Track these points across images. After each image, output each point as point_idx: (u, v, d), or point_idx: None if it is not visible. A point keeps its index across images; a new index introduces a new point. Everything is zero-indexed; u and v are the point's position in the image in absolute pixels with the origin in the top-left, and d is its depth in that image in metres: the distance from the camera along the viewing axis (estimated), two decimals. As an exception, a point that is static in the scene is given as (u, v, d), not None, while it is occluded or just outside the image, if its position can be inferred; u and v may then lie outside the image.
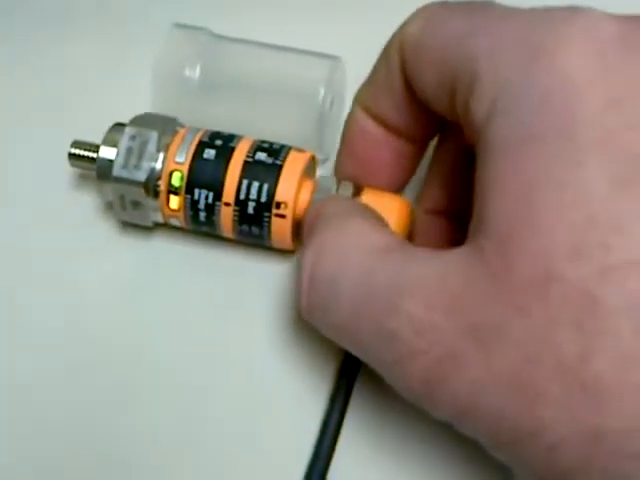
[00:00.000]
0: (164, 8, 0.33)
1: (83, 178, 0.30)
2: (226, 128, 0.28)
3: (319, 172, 0.28)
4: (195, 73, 0.29)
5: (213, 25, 0.30)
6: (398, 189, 0.27)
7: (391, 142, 0.25)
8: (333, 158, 0.27)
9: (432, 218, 0.26)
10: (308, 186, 0.27)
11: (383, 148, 0.25)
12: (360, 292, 0.21)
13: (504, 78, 0.19)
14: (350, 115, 0.26)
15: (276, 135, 0.28)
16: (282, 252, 0.28)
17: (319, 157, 0.29)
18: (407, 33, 0.23)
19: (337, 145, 0.27)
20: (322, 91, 0.29)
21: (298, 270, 0.23)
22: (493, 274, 0.18)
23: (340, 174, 0.27)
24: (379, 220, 0.24)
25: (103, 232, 0.29)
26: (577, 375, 0.17)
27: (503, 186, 0.18)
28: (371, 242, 0.22)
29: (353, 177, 0.26)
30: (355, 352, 0.22)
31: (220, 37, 0.30)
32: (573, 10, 0.19)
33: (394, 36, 0.24)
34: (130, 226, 0.29)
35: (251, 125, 0.29)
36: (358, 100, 0.26)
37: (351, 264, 0.21)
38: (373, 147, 0.26)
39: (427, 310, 0.19)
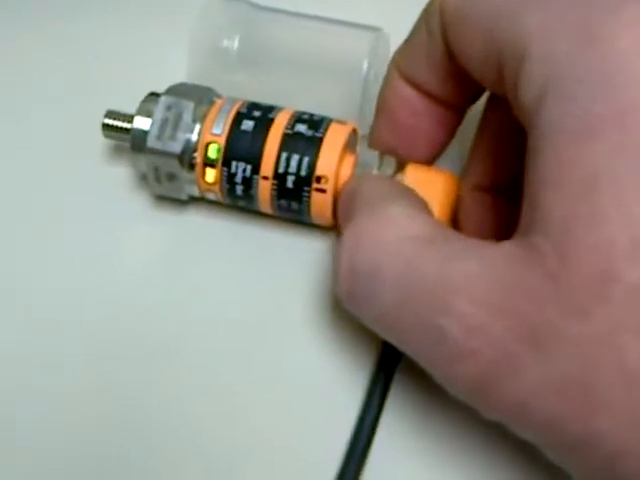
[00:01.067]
0: None
1: (117, 149, 0.29)
2: (265, 100, 0.27)
3: (360, 147, 0.27)
4: (233, 44, 0.28)
5: None
6: (436, 156, 0.26)
7: (428, 108, 0.24)
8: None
9: (477, 195, 0.25)
10: (350, 160, 0.25)
11: (420, 114, 0.25)
12: (403, 285, 0.20)
13: (557, 61, 0.18)
14: (386, 80, 0.25)
15: (317, 109, 0.27)
16: (321, 228, 0.27)
17: (361, 133, 0.28)
18: None
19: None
20: (365, 64, 0.27)
21: (336, 258, 0.22)
22: (549, 273, 0.17)
23: (376, 143, 0.26)
24: (420, 204, 0.23)
25: (137, 205, 0.28)
26: None
27: (559, 180, 0.17)
28: (412, 230, 0.20)
29: (389, 146, 0.25)
30: (398, 345, 0.21)
31: (259, 7, 0.29)
32: None
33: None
34: (164, 199, 0.28)
35: (290, 98, 0.28)
36: (395, 64, 0.25)
37: (392, 255, 0.20)
38: (409, 113, 0.25)
39: (478, 309, 0.18)
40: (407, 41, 0.24)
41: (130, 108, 0.27)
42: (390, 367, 0.24)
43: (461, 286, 0.18)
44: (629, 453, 0.16)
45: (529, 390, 0.17)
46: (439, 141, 0.25)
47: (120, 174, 0.29)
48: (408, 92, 0.24)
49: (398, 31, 0.26)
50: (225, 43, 0.28)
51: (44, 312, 0.26)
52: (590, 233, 0.17)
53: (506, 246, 0.19)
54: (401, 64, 0.24)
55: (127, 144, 0.27)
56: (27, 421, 0.24)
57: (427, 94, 0.24)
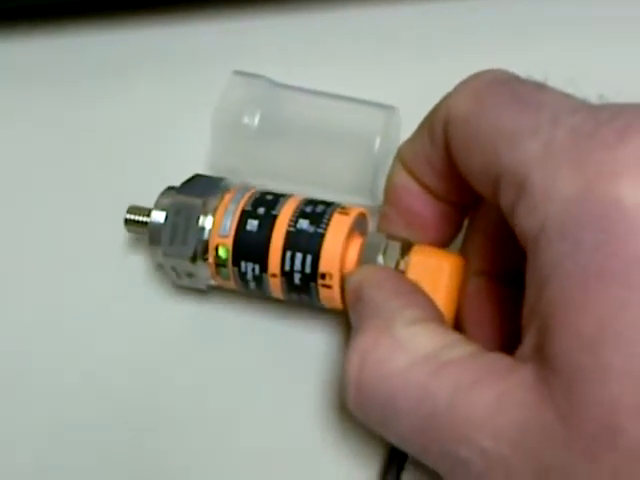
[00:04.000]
0: (222, 58, 0.33)
1: (138, 240, 0.31)
2: (283, 173, 0.28)
3: (372, 222, 0.28)
4: (254, 120, 0.29)
5: (271, 73, 0.30)
6: (445, 243, 0.26)
7: (432, 201, 0.25)
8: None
9: (475, 280, 0.25)
10: (356, 243, 0.26)
11: (425, 207, 0.25)
12: (420, 416, 0.20)
13: (559, 200, 0.19)
14: (392, 172, 0.26)
15: (331, 182, 0.28)
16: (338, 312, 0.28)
17: (372, 204, 0.28)
18: (454, 110, 0.22)
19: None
20: (378, 141, 0.28)
21: (343, 370, 0.22)
22: (561, 416, 0.18)
23: (384, 227, 0.26)
24: (427, 308, 0.23)
25: (157, 293, 0.30)
26: None
27: (571, 320, 0.18)
28: (421, 350, 0.21)
29: (397, 230, 0.26)
30: (419, 459, 0.22)
31: (278, 85, 0.30)
32: (627, 125, 0.18)
33: (439, 107, 0.23)
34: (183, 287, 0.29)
35: (307, 171, 0.29)
36: (400, 159, 0.25)
37: (403, 386, 0.21)
38: (415, 205, 0.25)
39: (498, 444, 0.19)
40: (411, 140, 0.25)
41: (149, 184, 0.28)
42: (399, 463, 0.25)
43: (479, 420, 0.19)
44: None
45: None
46: (445, 231, 0.26)
47: (140, 261, 0.30)
48: (412, 185, 0.25)
49: (409, 107, 0.27)
50: (246, 120, 0.29)
51: (62, 402, 0.28)
52: (596, 389, 0.17)
53: (521, 377, 0.19)
54: (405, 160, 0.25)
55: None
56: None
57: (429, 190, 0.25)
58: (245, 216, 0.26)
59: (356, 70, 0.33)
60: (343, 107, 0.29)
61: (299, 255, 0.25)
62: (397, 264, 0.25)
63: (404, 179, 0.25)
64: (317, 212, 0.26)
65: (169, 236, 0.27)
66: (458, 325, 0.25)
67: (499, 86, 0.22)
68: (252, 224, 0.26)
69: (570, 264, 0.18)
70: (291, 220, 0.26)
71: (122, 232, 0.30)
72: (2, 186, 0.33)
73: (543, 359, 0.18)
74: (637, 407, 0.17)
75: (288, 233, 0.26)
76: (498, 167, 0.20)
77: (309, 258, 0.25)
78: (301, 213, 0.26)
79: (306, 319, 0.28)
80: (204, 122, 0.29)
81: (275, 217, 0.26)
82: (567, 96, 0.21)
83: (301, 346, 0.28)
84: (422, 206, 0.25)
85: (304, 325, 0.28)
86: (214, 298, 0.29)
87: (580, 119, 0.19)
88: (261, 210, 0.26)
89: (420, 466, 0.23)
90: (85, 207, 0.32)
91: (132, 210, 0.29)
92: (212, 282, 0.28)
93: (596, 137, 0.19)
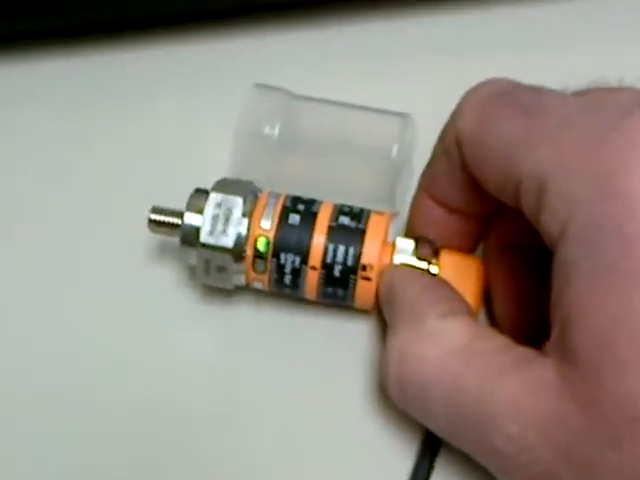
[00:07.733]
0: (242, 72, 0.34)
1: (161, 248, 0.31)
2: (303, 183, 0.29)
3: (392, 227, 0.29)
4: (274, 131, 0.30)
5: (290, 86, 0.31)
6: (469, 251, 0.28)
7: (456, 220, 0.27)
8: (404, 212, 0.29)
9: (504, 250, 0.27)
10: (388, 248, 0.27)
11: (448, 226, 0.27)
12: (453, 405, 0.22)
13: (576, 202, 0.20)
14: (414, 199, 0.28)
15: (351, 190, 0.29)
16: (359, 311, 0.29)
17: (391, 212, 0.30)
18: (462, 129, 0.24)
19: (408, 200, 0.28)
20: (395, 148, 0.30)
21: (383, 364, 0.24)
22: (583, 407, 0.19)
23: (411, 232, 0.28)
24: (457, 302, 0.25)
25: (184, 301, 0.30)
26: None
27: (587, 318, 0.19)
28: (453, 343, 0.23)
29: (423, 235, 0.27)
30: (455, 445, 0.23)
31: (297, 96, 0.31)
32: (634, 119, 0.20)
33: (448, 128, 0.25)
34: (210, 294, 0.30)
35: (327, 180, 0.30)
36: (422, 186, 0.27)
37: (437, 375, 0.22)
38: (439, 225, 0.27)
39: (526, 432, 0.20)
40: (428, 165, 0.27)
41: (173, 194, 0.28)
42: (434, 448, 0.26)
43: (507, 408, 0.21)
44: None
45: None
46: (468, 244, 0.28)
47: (165, 272, 0.31)
48: (435, 207, 0.27)
49: (425, 115, 0.29)
50: (267, 130, 0.30)
51: (93, 415, 0.28)
52: (616, 376, 0.18)
53: (544, 368, 0.20)
54: (427, 185, 0.27)
55: (172, 238, 0.28)
56: None
57: (452, 210, 0.26)
58: (286, 211, 0.27)
59: (371, 81, 0.35)
60: (360, 116, 0.31)
61: (341, 248, 0.27)
62: (428, 265, 0.27)
63: (427, 203, 0.27)
64: (355, 212, 0.27)
65: (209, 227, 0.27)
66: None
67: (499, 98, 0.23)
68: (294, 218, 0.27)
69: (586, 265, 0.19)
70: (332, 216, 0.27)
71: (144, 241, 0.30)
72: (28, 202, 0.33)
73: (563, 354, 0.20)
74: None
75: (330, 227, 0.27)
76: (516, 176, 0.22)
77: (351, 251, 0.27)
78: (340, 211, 0.27)
79: (336, 315, 0.29)
80: (225, 135, 0.30)
81: (316, 213, 0.27)
82: (568, 96, 0.22)
83: (330, 335, 0.29)
84: (446, 225, 0.27)
85: (335, 320, 0.29)
86: (240, 305, 0.30)
87: (589, 121, 0.20)
88: (301, 207, 0.27)
89: (454, 452, 0.24)
90: (107, 219, 0.32)
91: (157, 211, 0.29)
92: (241, 280, 0.28)
93: (606, 136, 0.20)
